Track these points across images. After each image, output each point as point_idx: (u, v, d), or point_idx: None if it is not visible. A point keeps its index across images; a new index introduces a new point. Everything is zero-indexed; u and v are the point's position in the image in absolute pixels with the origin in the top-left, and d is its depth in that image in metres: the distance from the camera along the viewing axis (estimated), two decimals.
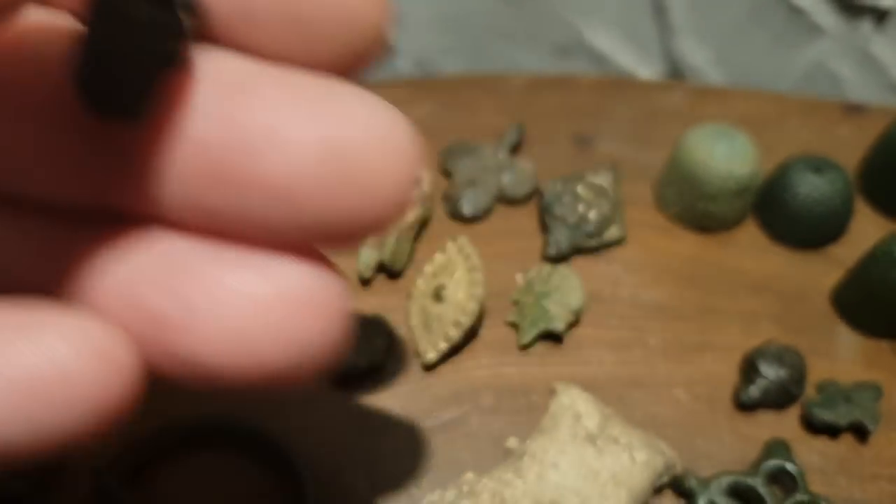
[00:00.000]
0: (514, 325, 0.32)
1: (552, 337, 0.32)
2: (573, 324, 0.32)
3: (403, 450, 0.29)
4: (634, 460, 0.27)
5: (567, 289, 0.32)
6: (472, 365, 0.32)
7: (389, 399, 0.30)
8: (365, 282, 0.34)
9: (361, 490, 0.28)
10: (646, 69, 0.51)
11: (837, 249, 0.35)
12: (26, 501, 0.27)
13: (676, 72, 0.50)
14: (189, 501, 0.28)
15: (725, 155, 0.33)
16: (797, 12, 0.44)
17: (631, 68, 0.51)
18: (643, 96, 0.40)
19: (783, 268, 0.34)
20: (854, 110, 0.39)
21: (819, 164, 0.34)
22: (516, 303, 0.33)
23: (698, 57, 0.48)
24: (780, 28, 0.45)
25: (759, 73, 0.47)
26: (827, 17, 0.43)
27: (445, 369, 0.31)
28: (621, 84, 0.40)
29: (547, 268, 0.33)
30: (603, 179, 0.35)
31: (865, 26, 0.42)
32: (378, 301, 0.33)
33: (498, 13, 0.54)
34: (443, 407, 0.30)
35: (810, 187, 0.34)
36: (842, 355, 0.32)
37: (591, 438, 0.28)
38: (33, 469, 0.27)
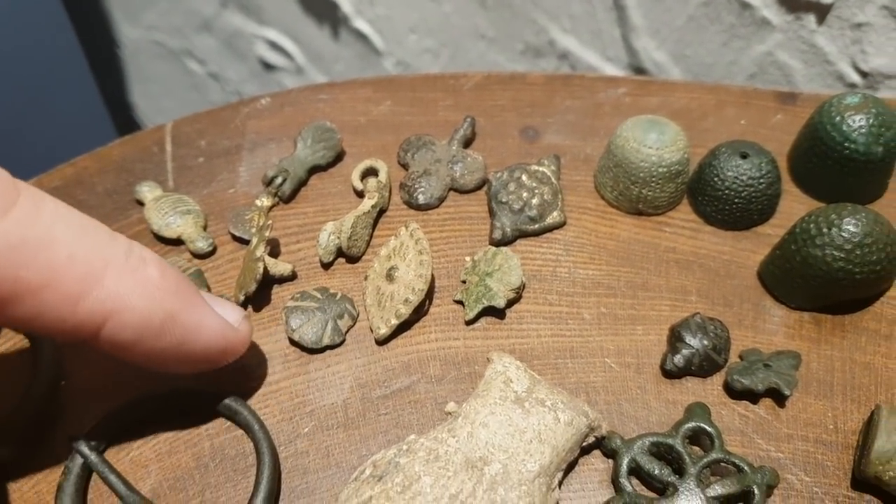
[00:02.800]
0: (461, 303, 0.35)
1: (496, 312, 0.35)
2: (515, 300, 0.35)
3: (355, 416, 0.32)
4: (559, 420, 0.30)
5: (508, 268, 0.34)
6: (421, 339, 0.34)
7: (346, 371, 0.33)
8: (326, 266, 0.37)
9: (314, 453, 0.31)
10: (611, 67, 0.53)
11: (767, 229, 0.37)
12: (10, 467, 0.30)
13: (639, 69, 0.52)
14: (158, 466, 0.31)
15: (656, 143, 0.36)
16: (746, 7, 0.45)
17: (597, 66, 0.53)
18: (588, 91, 0.42)
19: (714, 247, 0.36)
20: (788, 98, 0.40)
21: (746, 150, 0.36)
22: (464, 282, 0.36)
23: (657, 53, 0.50)
24: (731, 23, 0.47)
25: (714, 67, 0.49)
26: (774, 12, 0.45)
27: (397, 343, 0.34)
28: (568, 79, 0.42)
29: (492, 250, 0.36)
30: (546, 168, 0.38)
31: (810, 20, 0.44)
32: (338, 282, 0.36)
33: (475, 17, 0.57)
34: (393, 377, 0.33)
35: (737, 171, 0.36)
36: (766, 327, 0.34)
37: (519, 400, 0.30)
38: (15, 438, 0.30)
